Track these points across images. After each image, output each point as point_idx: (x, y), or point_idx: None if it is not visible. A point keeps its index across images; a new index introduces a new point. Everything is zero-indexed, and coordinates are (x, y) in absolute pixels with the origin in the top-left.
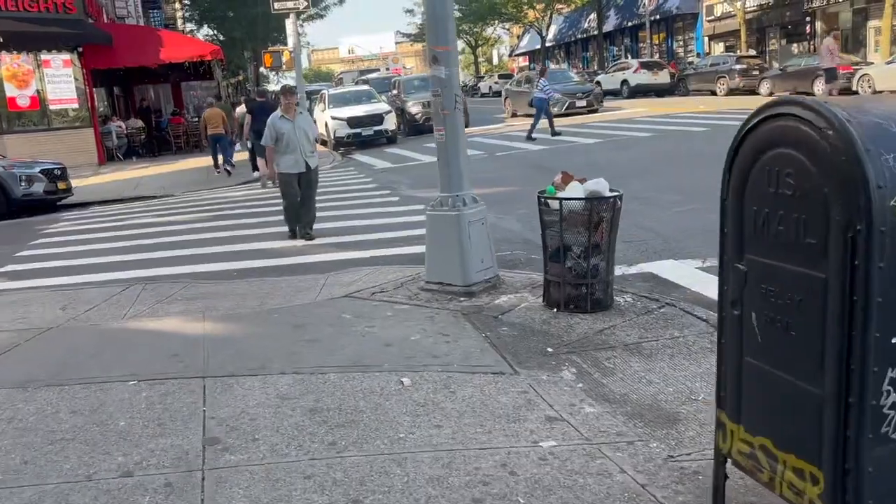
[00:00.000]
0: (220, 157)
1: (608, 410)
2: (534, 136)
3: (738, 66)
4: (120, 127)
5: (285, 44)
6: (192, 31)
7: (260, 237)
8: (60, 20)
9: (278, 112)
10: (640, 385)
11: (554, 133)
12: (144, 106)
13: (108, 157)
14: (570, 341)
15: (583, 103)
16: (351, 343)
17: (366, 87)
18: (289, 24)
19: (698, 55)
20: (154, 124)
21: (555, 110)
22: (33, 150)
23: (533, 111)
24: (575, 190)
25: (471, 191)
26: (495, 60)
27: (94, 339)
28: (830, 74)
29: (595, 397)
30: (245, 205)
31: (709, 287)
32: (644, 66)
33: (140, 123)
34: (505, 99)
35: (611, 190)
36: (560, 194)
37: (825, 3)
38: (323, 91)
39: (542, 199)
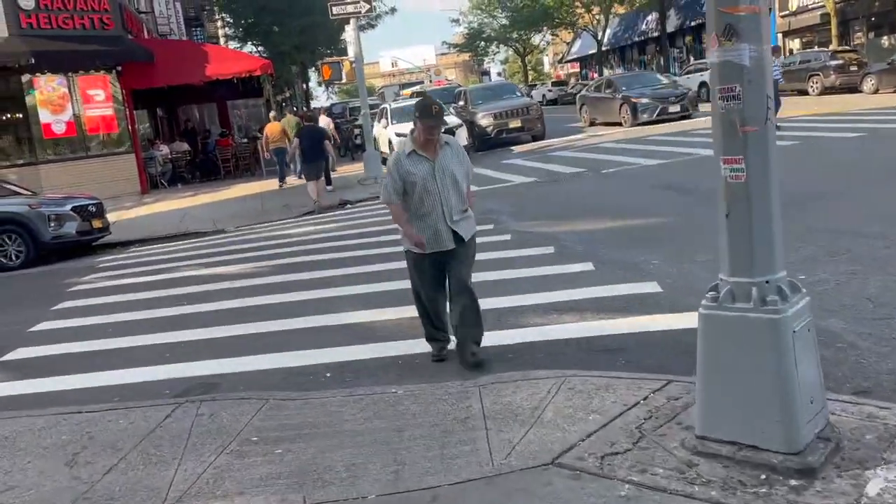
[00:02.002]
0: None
1: None
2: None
3: (833, 62)
4: (164, 152)
5: (336, 55)
6: (235, 48)
7: (349, 301)
8: (97, 37)
9: (406, 145)
10: None
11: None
12: (189, 127)
13: (151, 184)
14: None
15: (676, 108)
16: None
17: None
18: (349, 30)
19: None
20: (200, 147)
21: (644, 117)
22: (71, 180)
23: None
24: None
25: (784, 271)
26: (546, 68)
27: None
28: None
29: None
30: (316, 246)
31: None
32: None
33: (185, 147)
34: (581, 107)
35: None
36: None
37: None
38: (384, 105)
39: None
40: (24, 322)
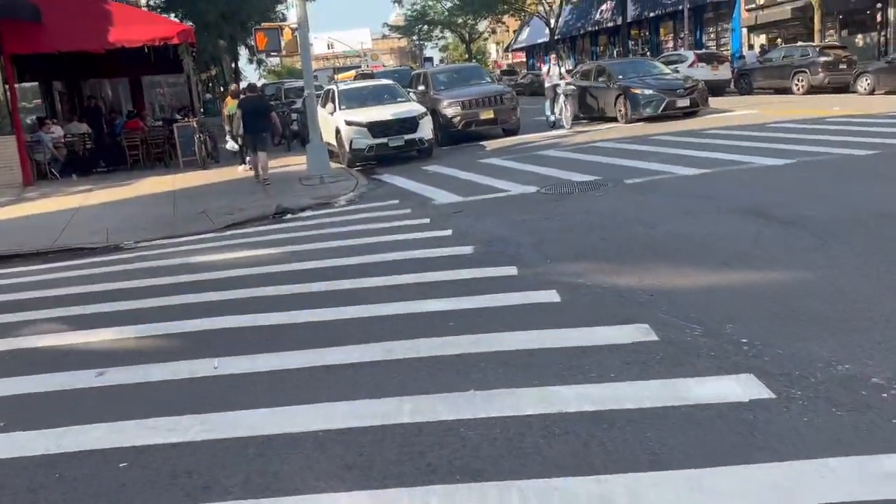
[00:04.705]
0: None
1: None
2: None
3: (821, 59)
4: (56, 134)
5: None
6: None
7: (312, 446)
8: None
9: None
10: None
11: None
12: (93, 105)
13: (38, 174)
14: None
15: (685, 103)
16: None
17: (387, 81)
18: None
19: (763, 49)
20: (107, 129)
21: (646, 112)
22: None
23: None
24: None
25: None
26: (493, 56)
27: None
28: None
29: None
30: (247, 294)
31: None
32: (702, 59)
33: (84, 128)
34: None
35: None
36: None
37: None
38: (331, 87)
39: None
40: None
